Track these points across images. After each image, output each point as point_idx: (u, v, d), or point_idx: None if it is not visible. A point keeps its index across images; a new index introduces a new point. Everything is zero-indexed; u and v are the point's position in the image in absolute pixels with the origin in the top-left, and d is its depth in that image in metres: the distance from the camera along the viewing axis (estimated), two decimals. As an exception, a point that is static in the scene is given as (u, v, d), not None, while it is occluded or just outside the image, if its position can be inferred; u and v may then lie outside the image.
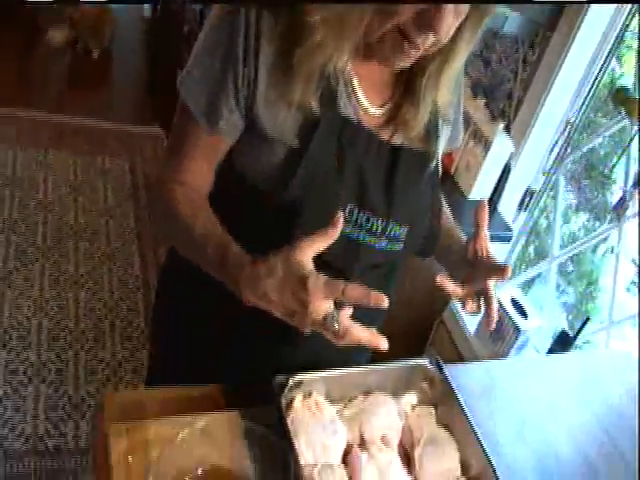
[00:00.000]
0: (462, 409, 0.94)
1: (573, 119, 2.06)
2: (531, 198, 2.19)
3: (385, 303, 0.70)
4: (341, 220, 0.71)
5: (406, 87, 0.91)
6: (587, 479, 0.99)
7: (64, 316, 2.29)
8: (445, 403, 0.97)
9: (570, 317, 2.01)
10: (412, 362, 1.02)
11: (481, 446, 0.88)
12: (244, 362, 1.05)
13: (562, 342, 1.49)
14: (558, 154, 2.15)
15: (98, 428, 0.83)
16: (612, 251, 1.78)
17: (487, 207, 0.92)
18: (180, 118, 0.89)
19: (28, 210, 2.69)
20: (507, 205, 2.15)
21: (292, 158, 0.85)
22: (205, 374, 0.99)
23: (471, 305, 0.91)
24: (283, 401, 0.87)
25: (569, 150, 2.09)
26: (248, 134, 0.87)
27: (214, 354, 1.05)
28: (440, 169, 1.04)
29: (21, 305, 2.27)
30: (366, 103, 0.89)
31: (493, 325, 0.90)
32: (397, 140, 0.92)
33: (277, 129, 0.84)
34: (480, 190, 2.11)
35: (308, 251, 0.72)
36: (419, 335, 1.93)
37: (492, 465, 0.85)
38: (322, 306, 0.70)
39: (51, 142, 3.08)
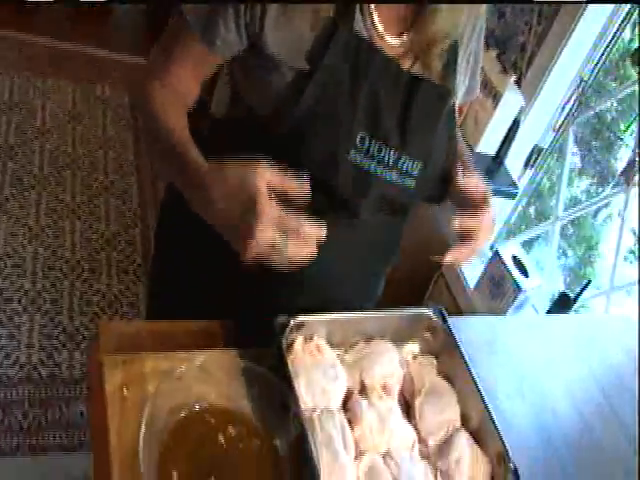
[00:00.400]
0: (464, 361, 0.91)
1: (587, 77, 1.97)
2: (538, 156, 2.13)
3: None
4: (307, 185, 0.67)
5: (423, 18, 0.84)
6: (583, 437, 0.97)
7: (60, 245, 2.23)
8: (447, 354, 0.94)
9: (568, 280, 1.99)
10: (415, 311, 0.98)
11: (482, 398, 0.85)
12: (244, 302, 1.01)
13: (562, 304, 1.46)
14: (569, 112, 2.07)
15: (93, 358, 0.79)
16: (618, 215, 1.73)
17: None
18: (176, 24, 0.84)
19: (25, 137, 2.59)
20: (514, 161, 2.09)
21: (301, 81, 0.80)
22: (204, 314, 0.95)
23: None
24: (284, 342, 0.84)
25: (580, 109, 2.02)
26: (255, 61, 0.82)
27: (214, 293, 1.02)
28: (457, 116, 0.98)
29: (16, 233, 2.21)
30: (382, 30, 0.83)
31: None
32: (415, 71, 0.87)
33: (286, 52, 0.79)
34: (488, 143, 2.04)
35: (269, 180, 0.66)
36: (418, 287, 1.90)
37: (492, 418, 0.82)
38: (268, 232, 0.64)
39: (50, 69, 2.95)
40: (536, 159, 2.13)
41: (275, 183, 0.66)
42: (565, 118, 2.06)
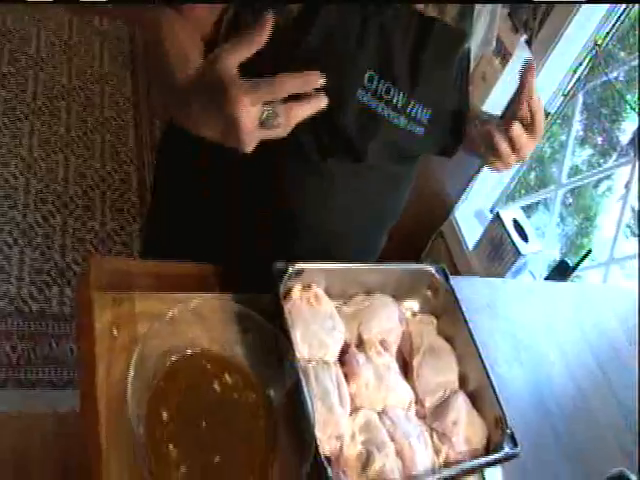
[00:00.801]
0: (465, 322, 0.87)
1: (601, 41, 1.89)
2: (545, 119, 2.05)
3: (318, 81, 0.60)
4: (269, 22, 0.58)
5: None
6: (578, 407, 0.95)
7: (53, 179, 2.15)
8: (447, 314, 0.90)
9: (564, 249, 1.95)
10: (417, 267, 0.94)
11: (481, 361, 0.82)
12: (242, 247, 0.96)
13: (560, 271, 1.42)
14: (579, 78, 1.99)
15: (82, 294, 0.74)
16: (625, 187, 1.68)
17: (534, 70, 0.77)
18: None
19: (18, 65, 2.46)
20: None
21: (308, 16, 0.74)
22: (201, 258, 0.90)
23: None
24: (281, 289, 0.79)
25: (590, 76, 1.94)
26: None
27: (212, 237, 0.96)
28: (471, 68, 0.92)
29: (8, 162, 2.13)
30: None
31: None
32: (430, 12, 0.81)
33: None
34: (495, 103, 1.97)
35: (233, 56, 0.59)
36: (415, 245, 1.85)
37: (492, 382, 0.79)
38: (252, 111, 0.58)
39: (47, -5, 2.79)
40: (542, 123, 2.06)
41: (240, 50, 0.59)
42: (575, 83, 1.98)
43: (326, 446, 0.65)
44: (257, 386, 0.70)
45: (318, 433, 0.64)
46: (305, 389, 0.67)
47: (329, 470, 0.61)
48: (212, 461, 0.62)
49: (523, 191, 2.14)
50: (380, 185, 0.97)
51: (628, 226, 1.89)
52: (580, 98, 1.98)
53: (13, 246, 1.92)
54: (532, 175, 2.33)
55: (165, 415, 0.64)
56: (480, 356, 0.82)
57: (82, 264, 1.95)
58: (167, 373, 0.66)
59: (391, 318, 0.86)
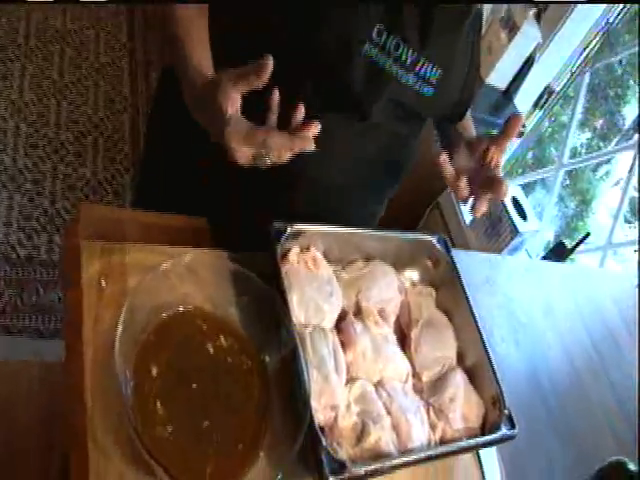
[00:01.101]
0: (465, 296, 0.83)
1: (612, 19, 1.82)
2: (548, 98, 1.99)
3: (310, 146, 0.62)
4: (269, 66, 0.57)
5: None
6: (574, 389, 0.92)
7: (44, 124, 2.05)
8: (447, 287, 0.86)
9: (559, 231, 1.92)
10: (418, 236, 0.90)
11: (480, 337, 0.79)
12: (239, 203, 0.90)
13: (557, 252, 1.39)
14: (587, 56, 1.93)
15: (70, 241, 0.68)
16: (629, 171, 1.64)
17: (522, 121, 0.75)
18: None
19: (9, 6, 2.33)
20: (523, 99, 1.96)
21: None
22: (194, 211, 0.85)
23: (462, 193, 0.74)
24: (278, 250, 0.74)
25: (598, 56, 1.88)
26: None
27: (207, 191, 0.91)
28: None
29: (-2, 104, 2.03)
30: None
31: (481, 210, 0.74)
32: None
33: None
34: (499, 76, 1.91)
35: (232, 86, 0.60)
36: (411, 215, 1.80)
37: (490, 360, 0.76)
38: (245, 152, 0.62)
39: None
40: (546, 101, 2.00)
41: (239, 85, 0.60)
42: (583, 62, 1.92)
43: (320, 416, 0.62)
44: (252, 351, 0.66)
45: (313, 402, 0.60)
46: (301, 357, 0.63)
47: (323, 441, 0.58)
48: (200, 425, 0.58)
49: (520, 170, 2.10)
50: (382, 145, 0.92)
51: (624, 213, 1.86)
52: (587, 78, 1.92)
53: (2, 191, 1.84)
54: (530, 155, 2.28)
55: (154, 370, 0.59)
56: (480, 332, 0.78)
57: (72, 212, 1.88)
58: (158, 327, 0.62)
59: (390, 287, 0.82)
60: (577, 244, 1.40)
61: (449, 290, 0.86)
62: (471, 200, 0.74)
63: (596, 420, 0.90)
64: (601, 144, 2.13)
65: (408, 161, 1.00)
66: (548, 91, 1.99)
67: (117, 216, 0.79)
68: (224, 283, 0.70)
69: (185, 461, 0.55)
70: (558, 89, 1.99)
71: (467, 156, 0.78)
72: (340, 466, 0.56)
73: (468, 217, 1.65)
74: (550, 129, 2.30)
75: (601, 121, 2.29)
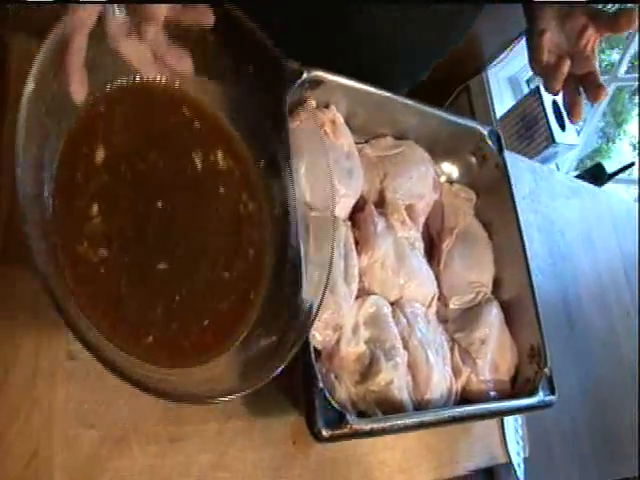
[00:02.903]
0: (514, 207, 0.67)
1: None
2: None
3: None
4: None
5: None
6: (604, 332, 0.79)
7: None
8: (491, 194, 0.69)
9: (594, 150, 1.76)
10: (466, 122, 0.71)
11: (526, 263, 0.62)
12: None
13: (595, 175, 1.23)
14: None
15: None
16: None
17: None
18: None
19: None
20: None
21: None
22: None
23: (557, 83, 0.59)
24: (288, 99, 0.55)
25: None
26: None
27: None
28: None
29: None
30: None
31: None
32: None
33: None
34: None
35: None
36: (435, 96, 1.57)
37: (534, 294, 0.60)
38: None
39: None
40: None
41: None
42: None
43: (318, 336, 0.45)
44: (254, 183, 0.47)
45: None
46: (302, 247, 0.46)
47: (316, 367, 0.42)
48: (153, 266, 0.38)
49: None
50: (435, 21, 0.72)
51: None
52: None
53: None
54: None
55: (97, 157, 0.37)
56: (526, 258, 0.62)
57: None
58: (108, 99, 0.39)
59: (423, 180, 0.63)
60: (620, 170, 1.24)
61: (493, 198, 0.69)
62: (565, 99, 0.60)
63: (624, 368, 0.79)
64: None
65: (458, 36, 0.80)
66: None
67: None
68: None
69: (116, 311, 0.36)
70: None
71: (557, 33, 0.62)
72: (339, 417, 0.40)
73: (499, 111, 1.43)
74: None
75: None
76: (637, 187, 1.46)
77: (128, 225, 0.38)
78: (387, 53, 0.74)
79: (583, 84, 0.59)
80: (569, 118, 0.61)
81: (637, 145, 1.82)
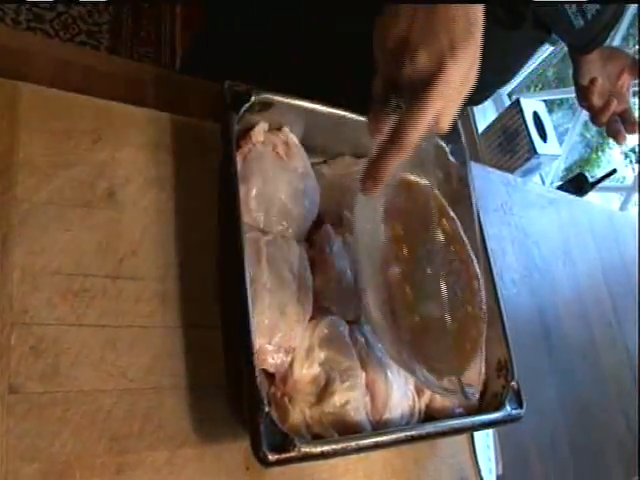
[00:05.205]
0: (479, 225, 0.68)
1: None
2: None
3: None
4: None
5: None
6: (584, 344, 0.80)
7: None
8: (457, 209, 0.71)
9: (576, 161, 1.78)
10: (430, 139, 0.73)
11: (492, 279, 0.65)
12: None
13: (577, 185, 1.25)
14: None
15: None
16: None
17: None
18: None
19: None
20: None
21: None
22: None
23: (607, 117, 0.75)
24: (236, 125, 0.56)
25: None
26: None
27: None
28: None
29: None
30: None
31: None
32: None
33: None
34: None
35: None
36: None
37: (501, 309, 0.63)
38: None
39: None
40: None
41: None
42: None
43: (270, 359, 0.47)
44: None
45: (260, 340, 0.45)
46: (247, 276, 0.47)
47: (262, 391, 0.43)
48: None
49: (540, 85, 1.93)
50: None
51: (632, 150, 1.76)
52: None
53: None
54: (551, 71, 2.12)
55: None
56: (492, 273, 0.64)
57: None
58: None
59: (384, 196, 0.65)
60: (601, 179, 1.26)
61: (457, 213, 0.70)
62: (609, 128, 0.75)
63: (605, 374, 0.80)
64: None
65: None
66: None
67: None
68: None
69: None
70: None
71: (599, 74, 0.76)
72: (286, 440, 0.41)
73: (481, 125, 1.46)
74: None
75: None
76: (626, 194, 1.48)
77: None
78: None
79: (620, 118, 0.74)
80: (616, 142, 0.76)
81: (629, 154, 1.85)
